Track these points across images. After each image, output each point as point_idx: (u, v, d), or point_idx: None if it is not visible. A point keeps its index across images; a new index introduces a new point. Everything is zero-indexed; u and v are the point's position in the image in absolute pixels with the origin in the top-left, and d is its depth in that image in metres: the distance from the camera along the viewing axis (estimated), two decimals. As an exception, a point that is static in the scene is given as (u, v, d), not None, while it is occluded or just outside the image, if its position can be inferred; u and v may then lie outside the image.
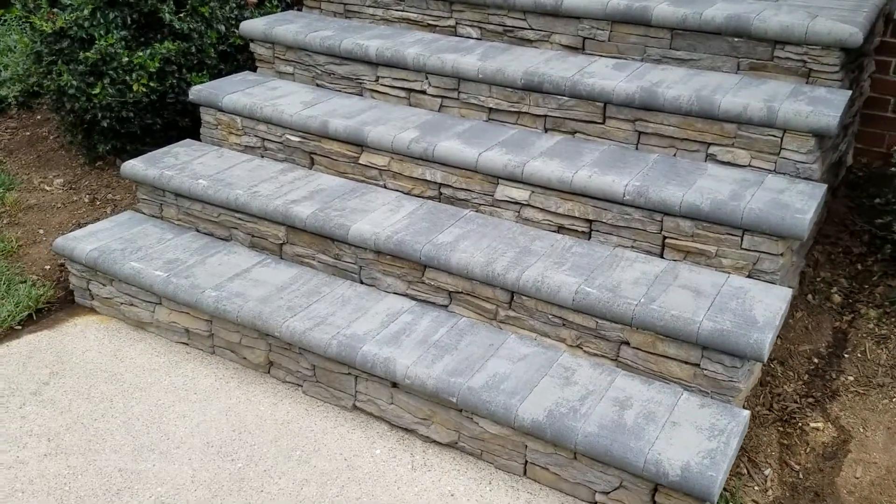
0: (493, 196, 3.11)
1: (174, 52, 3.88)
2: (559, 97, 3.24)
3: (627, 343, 2.60)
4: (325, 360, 2.79)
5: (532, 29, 3.61)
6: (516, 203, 3.07)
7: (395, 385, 2.68)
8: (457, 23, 3.79)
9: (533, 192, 3.03)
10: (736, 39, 3.21)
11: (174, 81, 3.97)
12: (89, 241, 3.30)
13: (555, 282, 2.66)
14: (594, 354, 2.67)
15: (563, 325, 2.70)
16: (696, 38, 3.29)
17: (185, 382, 2.91)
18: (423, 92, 3.56)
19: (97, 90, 3.83)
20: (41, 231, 3.77)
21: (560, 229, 3.01)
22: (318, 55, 3.77)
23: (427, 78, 3.53)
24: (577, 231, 2.99)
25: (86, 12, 3.73)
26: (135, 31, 3.92)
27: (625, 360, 2.62)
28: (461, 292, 2.87)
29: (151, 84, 3.88)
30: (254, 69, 4.08)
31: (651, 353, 2.57)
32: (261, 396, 2.85)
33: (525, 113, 3.35)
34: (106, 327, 3.23)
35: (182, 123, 4.23)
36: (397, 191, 3.31)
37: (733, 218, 2.67)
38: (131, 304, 3.22)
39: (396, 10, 3.92)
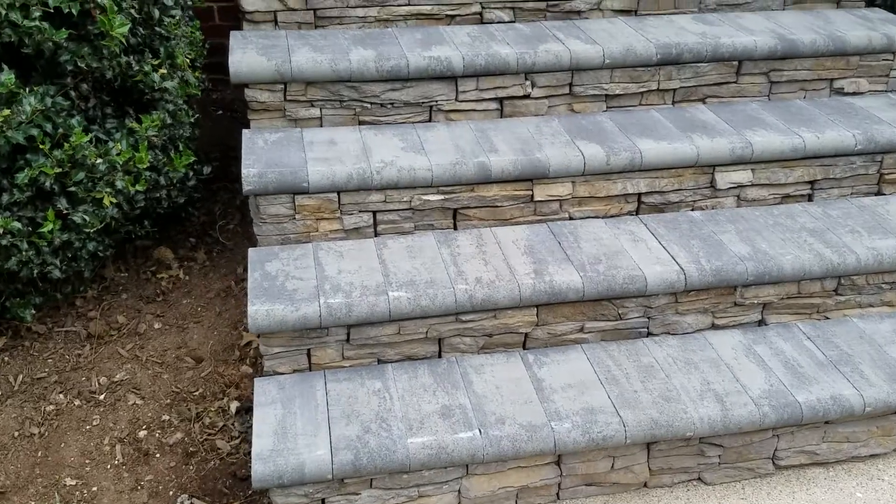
0: (712, 187, 2.79)
1: (157, 128, 2.47)
2: (697, 65, 2.99)
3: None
4: (743, 436, 2.30)
5: (581, -1, 3.20)
6: (738, 187, 2.82)
7: (827, 422, 2.35)
8: (483, 7, 3.15)
9: (755, 169, 2.81)
10: (787, -24, 3.33)
11: (148, 175, 2.54)
12: (301, 444, 2.05)
13: (890, 248, 2.58)
14: (920, 303, 2.71)
15: (891, 288, 2.65)
16: (751, -19, 3.31)
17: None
18: (527, 96, 2.92)
19: (48, 226, 2.27)
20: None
21: (784, 199, 2.87)
22: (370, 84, 2.78)
23: (528, 79, 2.90)
24: (801, 196, 2.89)
25: (34, 102, 2.11)
26: (73, 107, 2.37)
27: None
28: (783, 298, 2.58)
29: (137, 188, 2.44)
30: (244, 124, 2.83)
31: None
32: (686, 515, 2.24)
33: (652, 91, 3.01)
34: (388, 554, 2.11)
35: (139, 232, 2.77)
36: (590, 217, 2.75)
37: (951, 138, 2.88)
38: (420, 497, 2.15)
39: (400, 6, 3.07)
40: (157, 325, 2.68)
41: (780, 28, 3.11)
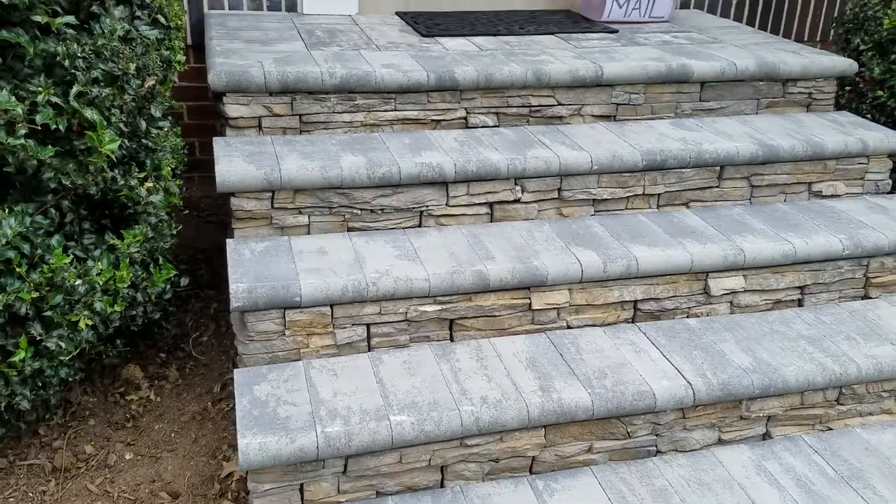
0: (706, 293, 2.77)
1: (139, 243, 2.32)
2: (682, 171, 3.01)
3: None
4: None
5: (562, 104, 3.21)
6: (731, 293, 2.80)
7: (846, 541, 2.28)
8: (468, 112, 3.13)
9: (746, 275, 2.80)
10: (761, 83, 3.41)
11: (127, 293, 2.37)
12: None
13: (887, 356, 2.57)
14: (917, 409, 2.70)
15: (890, 396, 2.64)
16: (726, 88, 3.39)
17: None
18: (517, 201, 2.88)
19: (20, 354, 2.08)
20: None
21: (776, 304, 2.86)
22: (361, 190, 2.70)
23: (518, 184, 2.86)
24: (791, 301, 2.88)
25: (14, 224, 1.95)
26: (52, 224, 2.21)
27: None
28: (787, 409, 2.53)
29: (116, 308, 2.27)
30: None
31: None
32: None
33: (638, 195, 3.01)
34: None
35: (110, 353, 2.58)
36: (588, 326, 2.68)
37: (932, 243, 2.94)
38: None
39: (386, 111, 3.02)
40: (128, 456, 2.46)
41: (757, 133, 3.17)
